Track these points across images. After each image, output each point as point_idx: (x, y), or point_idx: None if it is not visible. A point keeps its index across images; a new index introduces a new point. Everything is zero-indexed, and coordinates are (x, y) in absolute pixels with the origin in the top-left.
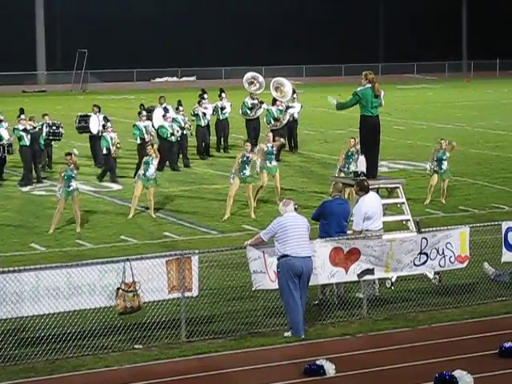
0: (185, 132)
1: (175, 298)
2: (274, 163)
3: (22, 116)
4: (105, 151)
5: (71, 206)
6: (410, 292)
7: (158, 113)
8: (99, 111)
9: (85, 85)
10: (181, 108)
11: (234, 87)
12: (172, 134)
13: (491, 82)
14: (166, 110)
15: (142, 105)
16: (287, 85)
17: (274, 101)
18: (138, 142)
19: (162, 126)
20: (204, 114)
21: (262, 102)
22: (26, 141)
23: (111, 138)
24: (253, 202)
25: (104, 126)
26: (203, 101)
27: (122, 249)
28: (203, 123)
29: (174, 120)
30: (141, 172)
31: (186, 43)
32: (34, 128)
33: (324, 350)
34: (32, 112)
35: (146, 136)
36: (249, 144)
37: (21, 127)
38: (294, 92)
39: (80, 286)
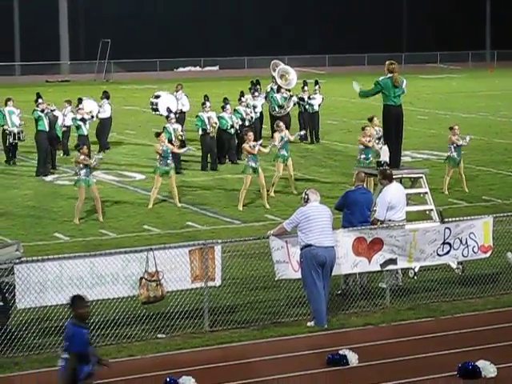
0: (246, 123)
1: (198, 287)
2: (288, 151)
3: (80, 105)
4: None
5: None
6: (433, 282)
7: (169, 99)
8: (107, 98)
9: (108, 74)
10: (243, 99)
11: (256, 77)
12: (232, 126)
13: None
14: (176, 98)
15: (206, 95)
16: (292, 73)
17: (279, 88)
18: (200, 132)
19: (222, 118)
20: (254, 107)
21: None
22: (85, 130)
23: (174, 130)
24: (265, 191)
25: (167, 117)
26: (256, 93)
27: (144, 238)
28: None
29: (235, 111)
30: (158, 163)
31: (209, 33)
32: (92, 118)
33: (347, 339)
34: (54, 102)
35: (207, 127)
36: (251, 133)
37: (79, 117)
38: (316, 83)
39: (103, 275)
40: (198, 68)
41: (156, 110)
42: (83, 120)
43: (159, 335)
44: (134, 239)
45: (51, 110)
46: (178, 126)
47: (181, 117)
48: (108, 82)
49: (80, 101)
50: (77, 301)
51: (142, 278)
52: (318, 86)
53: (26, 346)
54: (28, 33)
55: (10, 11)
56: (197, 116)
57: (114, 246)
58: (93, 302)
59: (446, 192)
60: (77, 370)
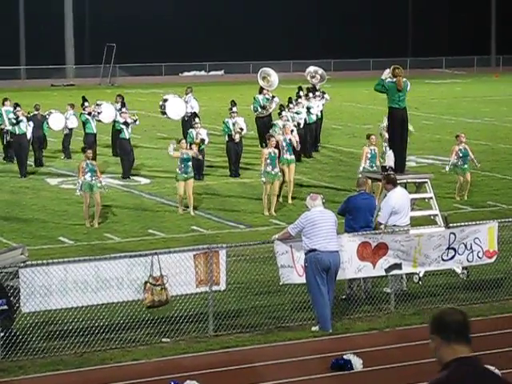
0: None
1: (203, 291)
2: (292, 156)
3: (124, 109)
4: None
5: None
6: (438, 287)
7: (177, 102)
8: (122, 101)
9: (113, 79)
10: (291, 105)
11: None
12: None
13: None
14: (185, 101)
15: (232, 101)
16: (273, 75)
17: (261, 89)
18: (226, 139)
19: (275, 125)
20: (308, 109)
21: (323, 92)
22: (126, 134)
23: (196, 134)
24: (276, 198)
25: (194, 121)
26: (311, 94)
27: (149, 242)
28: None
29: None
30: (178, 170)
31: (214, 37)
32: (135, 121)
33: (351, 344)
34: (59, 106)
35: (232, 133)
36: (274, 138)
37: (121, 120)
38: (316, 90)
39: (108, 279)
40: (203, 72)
41: (164, 113)
42: (126, 124)
43: (164, 339)
44: (139, 243)
45: (98, 113)
46: (203, 131)
47: (191, 118)
48: (113, 86)
49: (123, 104)
50: None
51: (146, 282)
52: (318, 92)
53: (31, 349)
54: (33, 37)
55: (15, 15)
56: (223, 122)
57: (119, 250)
58: (97, 305)
59: (458, 198)
60: None
